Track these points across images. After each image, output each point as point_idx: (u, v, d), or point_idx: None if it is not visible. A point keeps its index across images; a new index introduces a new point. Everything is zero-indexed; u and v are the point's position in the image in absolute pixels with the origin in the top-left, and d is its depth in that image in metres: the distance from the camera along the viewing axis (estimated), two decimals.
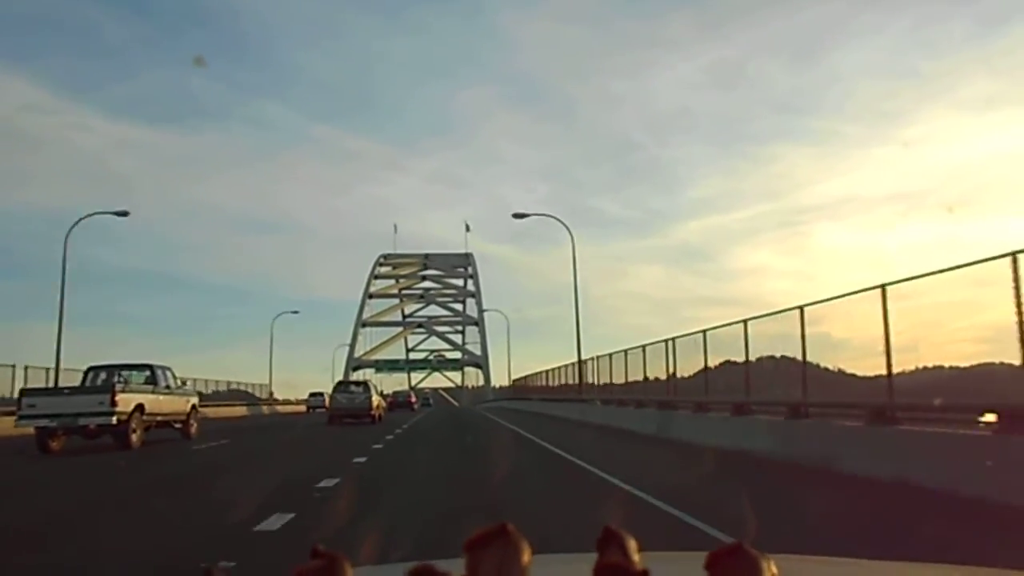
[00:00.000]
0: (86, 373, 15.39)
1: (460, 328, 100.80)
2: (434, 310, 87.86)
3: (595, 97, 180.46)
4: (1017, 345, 6.60)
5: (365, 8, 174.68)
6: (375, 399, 27.43)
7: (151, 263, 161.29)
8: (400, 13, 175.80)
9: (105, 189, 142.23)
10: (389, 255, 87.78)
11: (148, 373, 15.56)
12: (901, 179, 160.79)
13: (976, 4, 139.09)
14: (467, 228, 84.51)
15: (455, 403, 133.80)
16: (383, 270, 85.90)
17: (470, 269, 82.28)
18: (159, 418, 15.08)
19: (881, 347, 8.88)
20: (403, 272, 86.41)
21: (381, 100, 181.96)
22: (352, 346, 73.06)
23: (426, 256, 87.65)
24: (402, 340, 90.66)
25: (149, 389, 14.98)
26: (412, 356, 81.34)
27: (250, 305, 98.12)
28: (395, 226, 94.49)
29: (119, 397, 13.54)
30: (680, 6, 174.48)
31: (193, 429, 16.67)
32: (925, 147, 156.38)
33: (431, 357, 76.11)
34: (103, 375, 15.06)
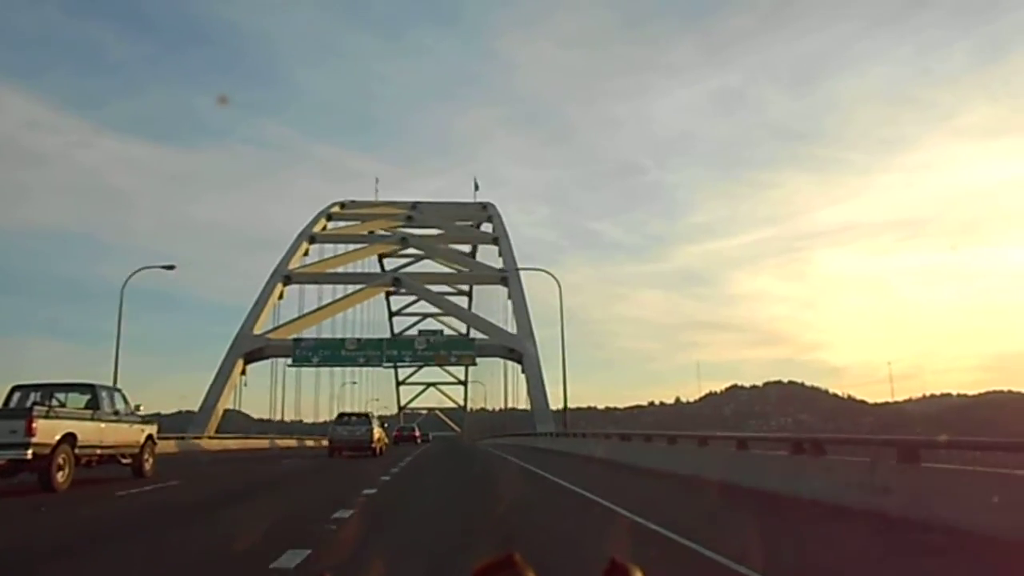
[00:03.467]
0: (10, 394, 15.75)
1: (468, 291, 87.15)
2: (428, 266, 73.95)
3: (596, 121, 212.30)
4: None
5: (367, 29, 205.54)
6: (376, 432, 33.11)
7: (146, 280, 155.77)
8: (402, 35, 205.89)
9: (104, 206, 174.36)
10: (355, 201, 78.95)
11: (89, 396, 15.93)
12: (901, 206, 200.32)
13: (976, 32, 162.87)
14: (476, 187, 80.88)
15: (456, 429, 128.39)
16: (344, 211, 76.65)
17: (489, 211, 74.95)
18: (100, 451, 15.56)
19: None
20: (376, 212, 76.37)
21: (383, 120, 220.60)
22: (252, 315, 58.61)
23: (414, 205, 77.50)
24: (363, 312, 75.80)
25: (88, 415, 15.33)
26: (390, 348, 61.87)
27: None
28: (376, 179, 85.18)
29: (39, 424, 13.71)
30: (682, 32, 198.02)
31: (148, 465, 17.46)
32: (926, 174, 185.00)
33: (419, 344, 58.62)
34: (35, 395, 15.52)
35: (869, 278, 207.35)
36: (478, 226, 74.61)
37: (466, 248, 75.36)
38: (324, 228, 70.75)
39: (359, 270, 69.08)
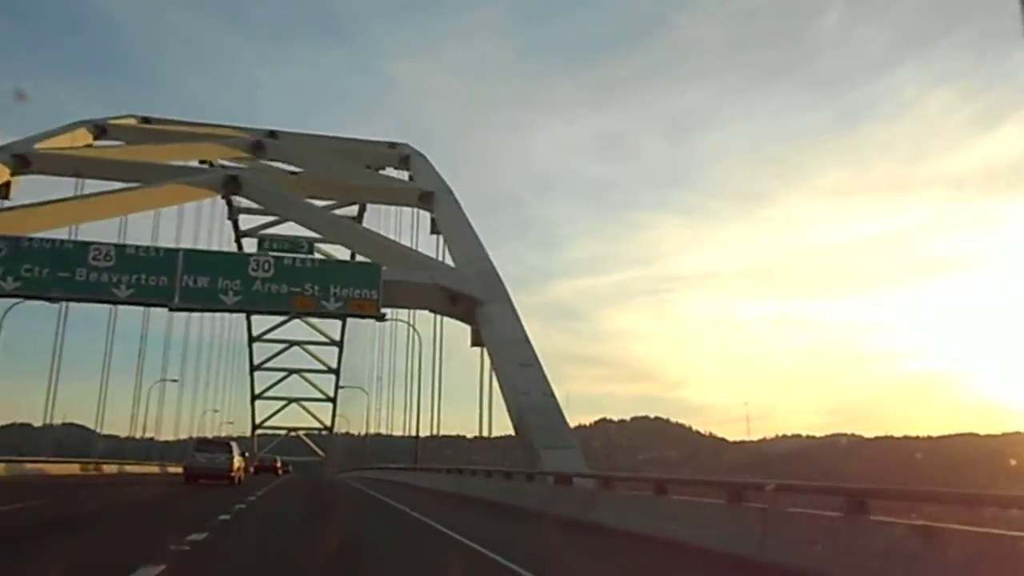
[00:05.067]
0: None
1: (356, 213, 59.70)
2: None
3: (480, 150, 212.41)
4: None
5: (250, 35, 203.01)
6: (236, 461, 33.10)
7: None
8: (283, 44, 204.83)
9: None
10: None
11: None
12: (759, 256, 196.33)
13: (833, 101, 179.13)
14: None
15: (320, 453, 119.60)
16: (168, 117, 49.32)
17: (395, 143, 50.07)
18: None
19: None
20: (213, 131, 48.15)
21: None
22: None
23: (270, 134, 48.43)
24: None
25: None
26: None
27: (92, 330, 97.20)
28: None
29: None
30: (566, 72, 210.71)
31: None
32: (782, 228, 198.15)
33: (259, 269, 28.48)
34: None
35: (728, 322, 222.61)
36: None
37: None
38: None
39: None
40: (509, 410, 26.64)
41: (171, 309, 29.93)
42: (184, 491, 26.14)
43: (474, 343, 30.62)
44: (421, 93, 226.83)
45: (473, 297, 30.38)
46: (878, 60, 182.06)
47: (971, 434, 65.48)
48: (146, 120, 47.63)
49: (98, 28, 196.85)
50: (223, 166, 44.22)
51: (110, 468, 46.72)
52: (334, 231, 40.91)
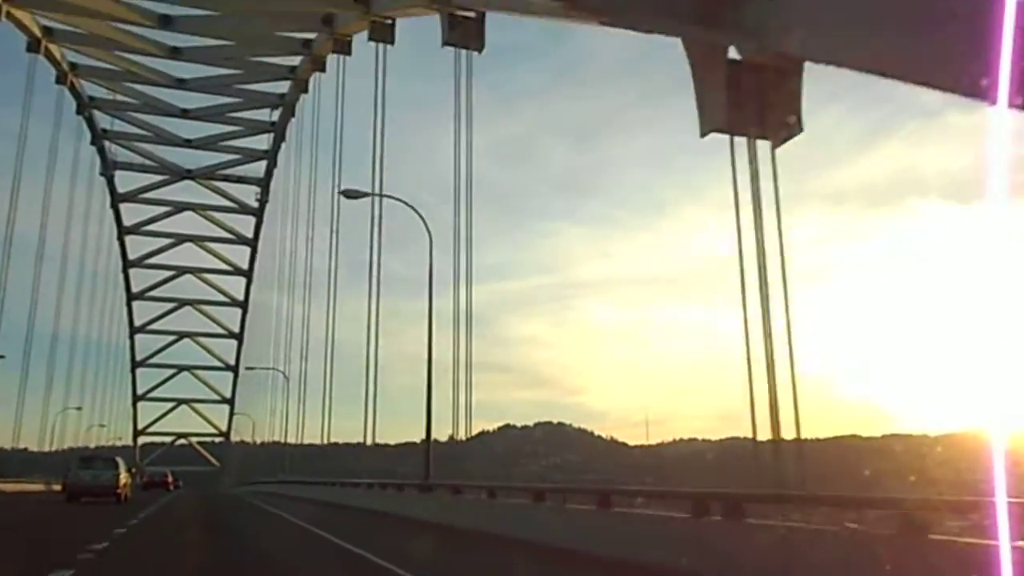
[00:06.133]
0: None
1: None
2: None
3: (385, 153, 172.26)
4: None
5: None
6: (123, 477, 33.20)
7: None
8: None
9: None
10: None
11: None
12: (658, 264, 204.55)
13: None
14: None
15: (215, 463, 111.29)
16: None
17: None
18: None
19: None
20: None
21: None
22: None
23: None
24: None
25: None
26: None
27: None
28: None
29: None
30: (474, 76, 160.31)
31: None
32: (680, 238, 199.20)
33: None
34: None
35: (629, 329, 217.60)
36: None
37: None
38: None
39: None
40: None
41: None
42: (42, 514, 23.52)
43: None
44: (336, 91, 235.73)
45: None
46: None
47: (854, 436, 67.79)
48: None
49: None
50: None
51: None
52: None
